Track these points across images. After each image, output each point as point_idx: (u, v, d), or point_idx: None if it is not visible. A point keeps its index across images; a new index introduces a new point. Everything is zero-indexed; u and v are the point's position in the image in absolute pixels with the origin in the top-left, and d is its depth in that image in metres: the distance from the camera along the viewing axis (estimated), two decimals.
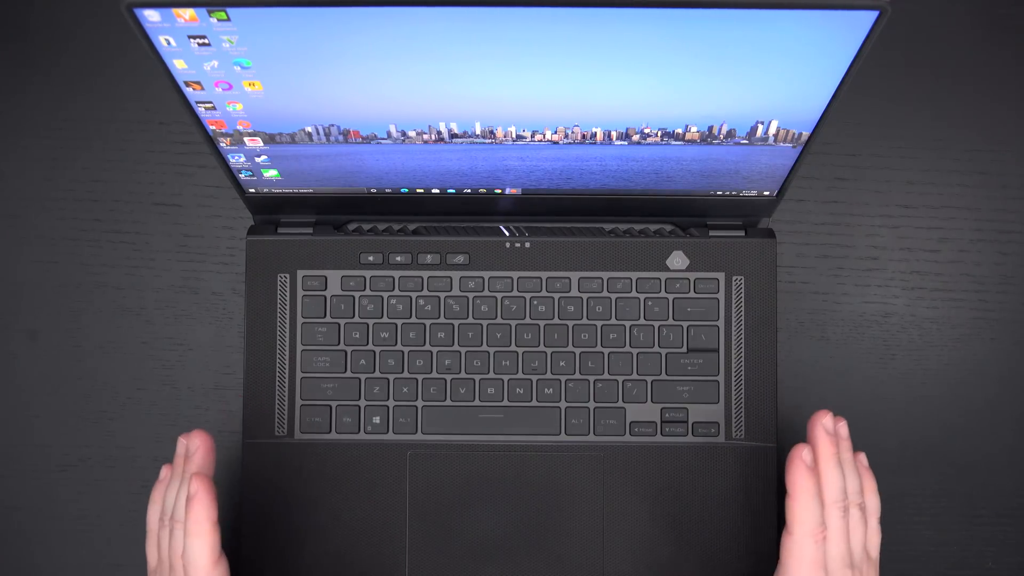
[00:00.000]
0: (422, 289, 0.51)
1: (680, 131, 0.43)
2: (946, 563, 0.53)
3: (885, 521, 0.47)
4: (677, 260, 0.51)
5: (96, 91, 0.55)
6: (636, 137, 0.43)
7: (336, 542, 0.50)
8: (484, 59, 0.37)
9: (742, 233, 0.51)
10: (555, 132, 0.43)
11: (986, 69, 0.55)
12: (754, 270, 0.51)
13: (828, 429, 0.43)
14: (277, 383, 0.51)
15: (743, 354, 0.50)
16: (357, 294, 0.51)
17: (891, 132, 0.55)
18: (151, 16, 0.35)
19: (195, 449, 0.44)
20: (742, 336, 0.50)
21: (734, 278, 0.51)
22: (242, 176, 0.47)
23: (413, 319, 0.51)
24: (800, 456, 0.42)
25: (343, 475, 0.50)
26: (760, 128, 0.42)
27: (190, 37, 0.36)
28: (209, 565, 0.41)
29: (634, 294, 0.51)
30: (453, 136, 0.43)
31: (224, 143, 0.44)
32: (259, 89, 0.40)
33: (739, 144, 0.44)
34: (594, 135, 0.43)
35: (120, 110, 0.55)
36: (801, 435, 0.53)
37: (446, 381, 0.50)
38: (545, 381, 0.50)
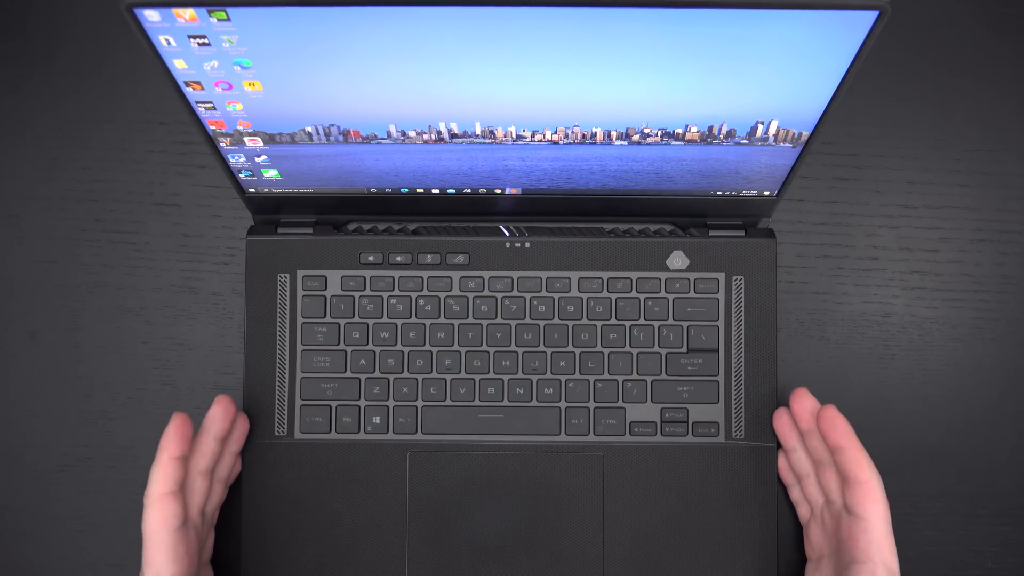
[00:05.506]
0: (422, 289, 0.51)
1: (680, 131, 0.43)
2: (946, 563, 0.53)
3: None
4: (677, 260, 0.51)
5: (96, 91, 0.55)
6: (636, 137, 0.43)
7: (336, 542, 0.50)
8: (484, 59, 0.37)
9: (742, 233, 0.51)
10: (555, 132, 0.43)
11: (987, 68, 0.55)
12: (754, 270, 0.51)
13: None
14: (277, 383, 0.50)
15: (743, 354, 0.50)
16: (357, 294, 0.51)
17: (891, 132, 0.55)
18: (151, 16, 0.35)
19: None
20: (742, 336, 0.50)
21: (734, 278, 0.51)
22: (242, 176, 0.47)
23: (413, 319, 0.51)
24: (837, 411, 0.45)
25: (343, 475, 0.50)
26: (760, 128, 0.42)
27: (190, 37, 0.36)
28: (153, 494, 0.42)
29: (634, 294, 0.51)
30: (453, 136, 0.43)
31: (224, 143, 0.44)
32: (259, 89, 0.40)
33: (739, 144, 0.44)
34: (594, 135, 0.43)
35: (120, 110, 0.55)
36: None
37: (446, 381, 0.50)
38: (545, 381, 0.50)
